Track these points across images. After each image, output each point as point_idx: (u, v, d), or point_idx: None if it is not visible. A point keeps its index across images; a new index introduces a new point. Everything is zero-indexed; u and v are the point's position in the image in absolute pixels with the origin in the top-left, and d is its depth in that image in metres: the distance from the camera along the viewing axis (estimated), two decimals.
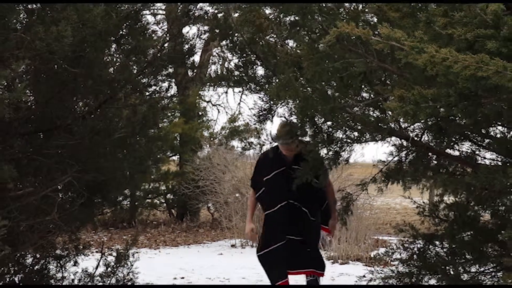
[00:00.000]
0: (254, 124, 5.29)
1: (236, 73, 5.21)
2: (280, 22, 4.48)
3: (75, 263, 4.42)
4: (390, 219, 14.67)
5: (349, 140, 5.01)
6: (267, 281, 5.42)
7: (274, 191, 5.34)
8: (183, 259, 10.06)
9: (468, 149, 4.91)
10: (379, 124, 4.42)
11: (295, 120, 5.18)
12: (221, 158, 12.65)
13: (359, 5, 4.15)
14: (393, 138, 4.92)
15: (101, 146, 3.99)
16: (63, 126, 3.84)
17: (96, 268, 4.38)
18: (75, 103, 4.05)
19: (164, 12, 13.15)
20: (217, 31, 5.18)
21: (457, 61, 2.78)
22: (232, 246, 11.34)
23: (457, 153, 4.96)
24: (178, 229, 13.30)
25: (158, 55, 4.47)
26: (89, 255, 4.57)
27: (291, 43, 4.78)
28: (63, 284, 4.29)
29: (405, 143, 4.97)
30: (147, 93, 4.56)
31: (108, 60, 4.28)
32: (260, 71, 5.16)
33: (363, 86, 4.25)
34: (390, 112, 3.82)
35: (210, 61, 15.34)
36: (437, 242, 5.25)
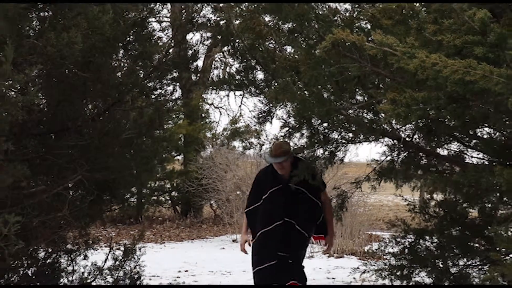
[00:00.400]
0: (254, 125, 5.29)
1: (237, 77, 5.21)
2: (279, 29, 4.48)
3: (85, 257, 4.41)
4: (382, 215, 14.67)
5: (344, 141, 5.01)
6: None
7: (270, 209, 5.13)
8: (187, 253, 10.06)
9: (456, 149, 4.91)
10: (373, 126, 4.42)
11: (287, 140, 5.14)
12: (223, 157, 12.66)
13: (353, 13, 4.15)
14: (386, 138, 4.92)
15: (109, 146, 3.98)
16: (74, 127, 3.84)
17: (105, 261, 4.37)
18: (84, 105, 4.04)
19: (169, 20, 13.14)
20: (219, 37, 5.17)
21: (446, 66, 2.77)
22: (233, 241, 11.34)
23: (446, 152, 4.96)
24: (182, 225, 13.30)
25: (163, 60, 4.47)
26: (98, 249, 4.56)
27: (289, 49, 4.78)
28: (73, 277, 4.29)
29: (397, 144, 4.97)
30: (153, 96, 4.55)
31: (116, 65, 4.28)
32: (260, 75, 5.15)
33: (357, 90, 4.25)
34: (383, 114, 3.81)
35: (213, 66, 15.36)
36: (427, 237, 5.25)
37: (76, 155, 3.78)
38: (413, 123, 4.18)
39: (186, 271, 8.43)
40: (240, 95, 15.21)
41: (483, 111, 3.20)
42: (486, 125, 4.18)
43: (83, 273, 4.29)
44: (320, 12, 4.05)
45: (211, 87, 5.63)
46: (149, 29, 4.38)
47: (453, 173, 4.86)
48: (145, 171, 4.60)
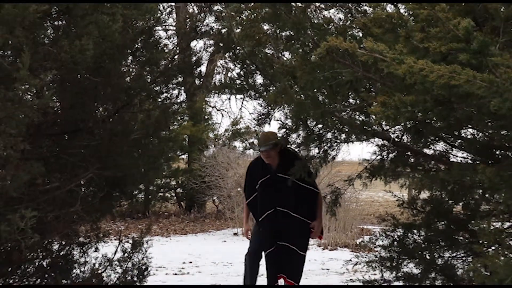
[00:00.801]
0: (254, 126, 5.29)
1: (238, 81, 5.21)
2: (277, 36, 4.48)
3: (96, 249, 4.40)
4: (373, 210, 14.67)
5: (337, 141, 5.01)
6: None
7: (261, 200, 5.10)
8: (191, 245, 10.06)
9: (442, 149, 4.92)
10: (364, 127, 4.42)
11: (276, 130, 5.10)
12: (224, 156, 12.66)
13: (346, 22, 4.15)
14: (376, 139, 4.93)
15: (119, 146, 3.98)
16: (85, 128, 3.84)
17: (115, 253, 4.37)
18: (95, 108, 4.04)
19: (174, 28, 13.13)
20: (221, 44, 5.17)
21: (433, 71, 2.78)
22: (234, 234, 11.34)
23: (432, 152, 4.97)
24: (186, 219, 13.29)
25: (169, 66, 4.47)
26: (108, 242, 4.56)
27: (286, 55, 4.78)
28: (85, 268, 4.29)
29: (386, 144, 4.98)
30: (159, 100, 4.55)
31: (125, 70, 4.28)
32: (259, 80, 5.16)
33: (350, 93, 4.25)
34: (373, 116, 3.82)
35: (215, 71, 15.34)
36: (415, 231, 5.25)
37: (88, 154, 3.78)
38: (401, 124, 4.19)
39: (190, 262, 8.43)
40: (241, 98, 15.24)
41: (467, 113, 3.20)
42: (470, 126, 4.19)
43: (94, 264, 4.29)
44: (315, 21, 4.06)
45: (213, 91, 5.65)
46: (156, 37, 4.38)
47: (439, 171, 4.87)
48: (152, 169, 4.59)
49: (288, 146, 5.05)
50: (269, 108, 5.12)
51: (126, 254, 4.40)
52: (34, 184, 3.30)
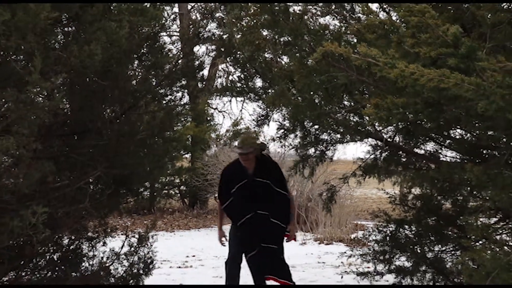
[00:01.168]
0: (254, 127, 5.30)
1: (238, 84, 5.21)
2: (275, 42, 4.49)
3: (104, 244, 4.40)
4: (367, 207, 14.66)
5: (333, 141, 5.02)
6: None
7: (238, 204, 4.91)
8: (194, 240, 10.06)
9: (432, 148, 4.93)
10: (358, 128, 4.43)
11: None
12: (225, 156, 12.64)
13: (341, 28, 4.15)
14: (370, 139, 4.94)
15: (125, 146, 3.97)
16: (94, 129, 3.83)
17: (122, 247, 4.36)
18: (103, 110, 4.03)
19: (178, 34, 13.13)
20: (223, 49, 5.18)
21: (423, 75, 2.78)
22: None
23: (423, 151, 4.98)
24: (190, 215, 13.29)
25: (173, 69, 4.46)
26: (115, 237, 4.56)
27: (284, 59, 4.78)
28: (94, 262, 4.28)
29: (379, 144, 4.98)
30: (164, 102, 4.54)
31: (131, 74, 4.28)
32: (259, 83, 5.16)
33: (344, 96, 4.26)
34: (367, 117, 3.82)
35: (217, 74, 15.32)
36: (406, 226, 5.26)
37: (96, 154, 3.78)
38: (394, 125, 4.20)
39: (193, 256, 8.43)
40: (241, 100, 15.23)
41: (455, 114, 3.20)
42: (458, 127, 4.20)
43: (102, 257, 4.28)
44: (312, 27, 4.06)
45: (215, 94, 5.65)
46: (161, 42, 4.38)
47: (429, 170, 4.87)
48: (157, 167, 4.59)
49: (263, 151, 4.96)
50: (268, 109, 5.13)
51: (132, 248, 4.40)
52: (45, 182, 3.30)
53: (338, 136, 4.91)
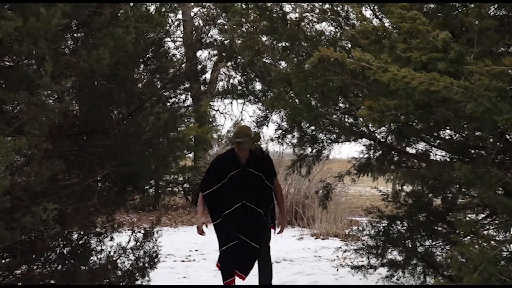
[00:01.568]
0: (254, 128, 5.30)
1: (239, 87, 5.22)
2: (274, 47, 4.49)
3: (111, 239, 4.40)
4: (361, 203, 14.66)
5: (329, 141, 5.03)
6: None
7: (229, 193, 4.73)
8: (196, 235, 10.01)
9: (423, 148, 4.93)
10: (353, 128, 4.44)
11: (252, 126, 5.05)
12: None
13: (336, 34, 4.16)
14: (364, 139, 4.94)
15: (132, 146, 3.98)
16: (102, 129, 3.84)
17: (128, 242, 4.36)
18: (111, 111, 4.04)
19: (182, 39, 13.14)
20: (224, 54, 5.18)
21: (414, 78, 2.78)
22: None
23: (414, 151, 4.98)
24: (193, 211, 13.28)
25: (177, 73, 4.47)
26: (122, 232, 4.56)
27: (282, 64, 4.79)
28: (101, 256, 4.28)
29: (373, 143, 4.99)
30: (168, 104, 4.54)
31: (137, 77, 4.28)
32: (258, 86, 5.17)
33: (339, 98, 4.26)
34: (361, 119, 3.83)
35: (218, 78, 15.33)
36: (398, 222, 5.26)
37: (104, 153, 3.78)
38: (386, 126, 4.20)
39: (196, 250, 8.43)
40: (242, 102, 15.23)
41: (445, 116, 3.21)
42: (448, 128, 4.20)
43: (109, 252, 4.29)
44: (308, 33, 4.06)
45: (217, 96, 5.65)
46: (165, 47, 4.38)
47: (420, 168, 4.88)
48: (162, 166, 4.59)
49: (257, 144, 4.84)
50: (267, 111, 5.13)
51: (138, 243, 4.40)
52: (56, 180, 3.30)
53: (334, 136, 4.92)
